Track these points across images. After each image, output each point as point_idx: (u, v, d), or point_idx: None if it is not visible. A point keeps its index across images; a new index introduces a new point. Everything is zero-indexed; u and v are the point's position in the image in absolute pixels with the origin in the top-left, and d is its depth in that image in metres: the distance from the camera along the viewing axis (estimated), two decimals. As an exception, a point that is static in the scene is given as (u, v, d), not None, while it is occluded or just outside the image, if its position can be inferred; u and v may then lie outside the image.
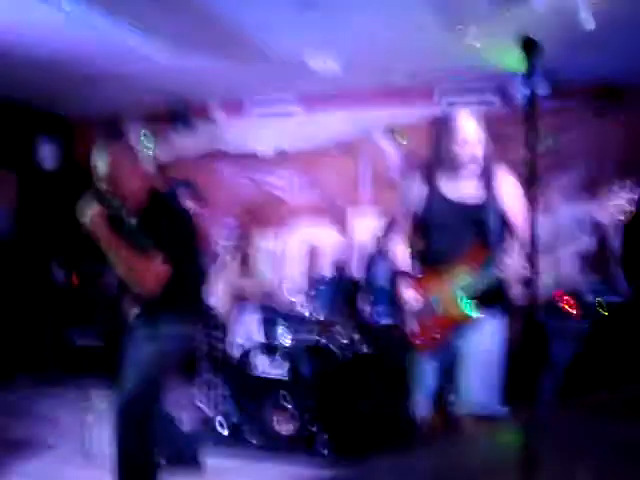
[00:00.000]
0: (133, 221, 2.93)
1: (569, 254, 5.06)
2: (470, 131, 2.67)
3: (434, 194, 2.78)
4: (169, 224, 2.83)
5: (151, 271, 2.73)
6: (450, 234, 2.73)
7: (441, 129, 2.73)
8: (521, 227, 2.64)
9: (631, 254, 4.36)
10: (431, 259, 2.82)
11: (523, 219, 2.65)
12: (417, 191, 2.84)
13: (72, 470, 3.37)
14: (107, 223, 2.71)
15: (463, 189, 2.74)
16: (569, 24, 3.62)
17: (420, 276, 2.90)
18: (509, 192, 2.71)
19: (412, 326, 2.79)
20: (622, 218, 2.43)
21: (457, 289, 2.66)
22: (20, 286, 5.53)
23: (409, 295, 2.78)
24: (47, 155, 6.02)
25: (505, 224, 2.71)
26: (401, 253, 2.98)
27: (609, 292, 4.77)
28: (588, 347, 4.16)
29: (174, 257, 2.76)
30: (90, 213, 2.69)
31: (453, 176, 2.74)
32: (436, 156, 2.76)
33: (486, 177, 2.72)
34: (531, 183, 1.39)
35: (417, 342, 2.79)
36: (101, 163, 2.82)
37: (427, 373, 2.83)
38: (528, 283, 1.83)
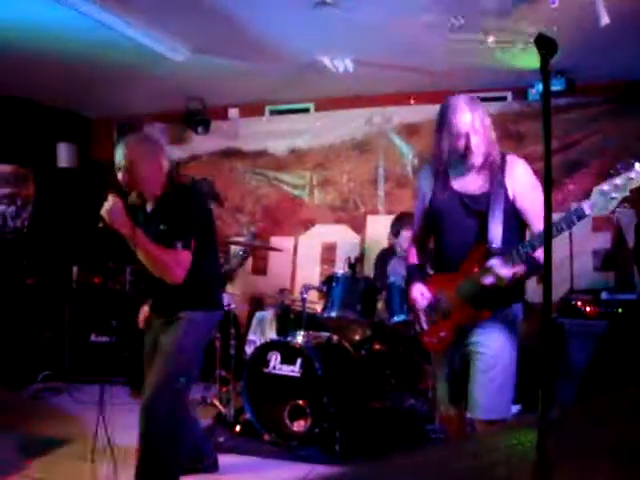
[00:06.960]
0: (150, 210, 2.96)
1: (584, 251, 5.03)
2: (465, 122, 2.47)
3: (441, 187, 2.67)
4: (187, 209, 2.86)
5: (174, 258, 2.75)
6: (456, 228, 2.61)
7: (439, 122, 2.57)
8: (537, 216, 2.46)
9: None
10: (439, 255, 2.73)
11: (539, 208, 2.39)
12: (427, 185, 2.75)
13: (88, 466, 3.38)
14: (127, 214, 2.71)
15: (468, 180, 2.60)
16: (585, 21, 3.57)
17: (431, 273, 2.86)
18: (520, 180, 2.55)
19: (421, 324, 2.73)
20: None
21: (464, 287, 2.56)
22: (38, 283, 5.58)
23: (417, 292, 2.74)
24: (65, 154, 6.07)
25: (516, 215, 2.56)
26: (412, 249, 2.94)
27: (625, 290, 4.72)
28: (605, 346, 4.12)
29: (192, 242, 2.78)
30: (109, 205, 2.68)
31: (459, 168, 2.60)
32: (439, 149, 2.59)
33: (492, 166, 2.55)
34: (546, 180, 1.37)
35: (425, 340, 2.75)
36: (120, 153, 2.85)
37: (438, 373, 2.79)
38: (543, 280, 1.79)
